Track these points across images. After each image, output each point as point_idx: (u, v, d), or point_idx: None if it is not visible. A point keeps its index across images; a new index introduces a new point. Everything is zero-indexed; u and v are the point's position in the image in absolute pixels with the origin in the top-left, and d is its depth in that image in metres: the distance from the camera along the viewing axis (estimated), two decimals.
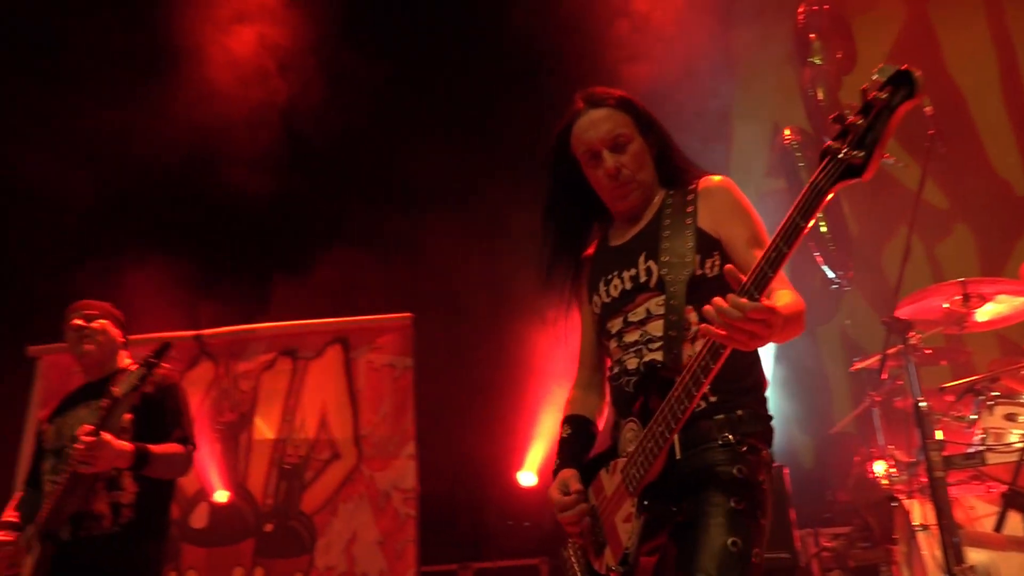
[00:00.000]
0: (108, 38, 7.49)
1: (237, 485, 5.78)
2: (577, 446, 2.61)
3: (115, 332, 3.94)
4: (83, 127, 7.45)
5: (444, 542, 6.37)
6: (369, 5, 7.91)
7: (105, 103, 7.53)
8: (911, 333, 4.34)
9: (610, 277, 2.59)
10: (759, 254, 2.23)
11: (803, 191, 1.90)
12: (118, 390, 3.40)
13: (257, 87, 7.92)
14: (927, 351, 4.99)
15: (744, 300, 1.93)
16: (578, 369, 2.80)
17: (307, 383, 5.90)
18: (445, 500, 6.93)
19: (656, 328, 2.42)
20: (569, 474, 2.50)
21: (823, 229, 6.41)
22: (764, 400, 2.48)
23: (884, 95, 1.79)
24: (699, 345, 2.12)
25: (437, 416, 6.67)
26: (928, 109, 4.51)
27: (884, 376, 4.73)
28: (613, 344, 2.56)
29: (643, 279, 2.49)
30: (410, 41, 7.90)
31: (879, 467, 4.98)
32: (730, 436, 2.31)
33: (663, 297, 2.42)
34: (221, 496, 5.77)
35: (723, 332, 1.95)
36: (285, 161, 7.89)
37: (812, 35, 6.61)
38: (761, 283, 1.95)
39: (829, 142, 1.88)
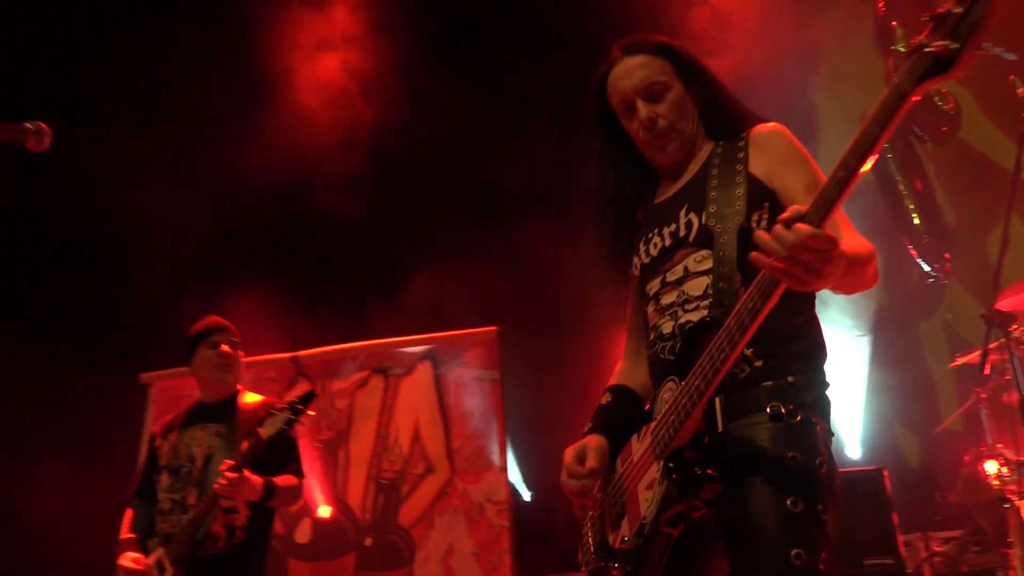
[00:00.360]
0: (207, 73, 7.87)
1: (337, 500, 5.95)
2: (612, 413, 2.37)
3: (242, 358, 4.12)
4: (186, 161, 7.84)
5: (541, 553, 6.40)
6: (441, 21, 8.05)
7: (207, 137, 7.91)
8: (1013, 326, 4.17)
9: (651, 236, 2.36)
10: None
11: (883, 95, 1.67)
12: (264, 432, 3.56)
13: (344, 111, 8.16)
14: None
15: (803, 225, 1.67)
16: (626, 340, 2.58)
17: (399, 399, 6.03)
18: (541, 510, 6.98)
19: (695, 287, 2.19)
20: (594, 442, 2.25)
21: (916, 221, 6.17)
22: (821, 368, 2.18)
23: None
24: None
25: (533, 427, 6.72)
26: (1021, 91, 4.32)
27: (986, 372, 4.53)
28: (651, 308, 2.33)
29: (682, 233, 2.26)
30: (488, 51, 8.01)
31: (991, 467, 4.78)
32: (780, 407, 2.03)
33: (703, 252, 2.19)
34: (324, 511, 5.94)
35: (777, 263, 1.70)
36: (375, 182, 8.09)
37: (894, 23, 6.39)
38: (824, 208, 1.69)
39: (917, 39, 1.66)
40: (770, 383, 2.05)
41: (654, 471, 2.04)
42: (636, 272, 2.41)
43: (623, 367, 2.53)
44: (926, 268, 6.58)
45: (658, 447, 2.03)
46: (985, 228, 6.61)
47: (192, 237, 7.92)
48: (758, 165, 2.21)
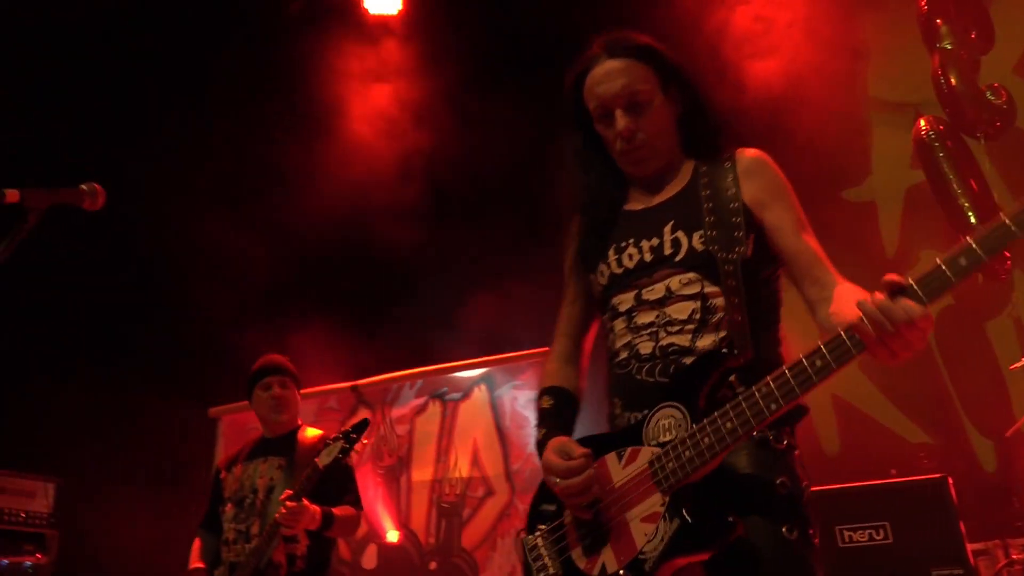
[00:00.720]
0: (264, 109, 8.12)
1: (401, 525, 6.04)
2: (562, 419, 2.27)
3: (298, 394, 4.25)
4: (247, 196, 8.07)
5: None
6: (492, 48, 8.14)
7: (266, 171, 8.16)
8: None
9: (624, 245, 2.24)
10: (809, 240, 2.08)
11: (993, 227, 1.61)
12: (321, 462, 3.68)
13: (398, 141, 8.31)
14: None
15: (913, 304, 1.63)
16: (556, 338, 2.46)
17: (457, 423, 6.10)
18: None
19: (679, 310, 2.09)
20: (565, 439, 2.13)
21: (972, 220, 6.00)
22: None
23: None
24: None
25: None
26: None
27: None
28: (619, 324, 2.21)
29: (667, 251, 2.16)
30: (541, 75, 8.06)
31: None
32: (767, 432, 1.99)
33: (690, 275, 2.10)
34: (393, 536, 6.03)
35: (875, 335, 1.65)
36: (431, 209, 8.21)
37: (938, 20, 6.25)
38: (936, 288, 1.63)
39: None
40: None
41: (656, 503, 1.93)
42: (601, 280, 2.29)
43: (555, 368, 2.42)
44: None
45: (665, 480, 1.93)
46: None
47: (255, 271, 8.14)
48: (749, 194, 2.16)
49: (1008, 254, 6.27)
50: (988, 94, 6.11)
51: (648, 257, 2.19)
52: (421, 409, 6.23)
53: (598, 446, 2.08)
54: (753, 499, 1.93)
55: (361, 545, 6.07)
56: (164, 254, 7.84)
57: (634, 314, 2.18)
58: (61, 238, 5.28)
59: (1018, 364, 5.00)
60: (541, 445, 2.18)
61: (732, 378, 1.94)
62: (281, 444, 4.10)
